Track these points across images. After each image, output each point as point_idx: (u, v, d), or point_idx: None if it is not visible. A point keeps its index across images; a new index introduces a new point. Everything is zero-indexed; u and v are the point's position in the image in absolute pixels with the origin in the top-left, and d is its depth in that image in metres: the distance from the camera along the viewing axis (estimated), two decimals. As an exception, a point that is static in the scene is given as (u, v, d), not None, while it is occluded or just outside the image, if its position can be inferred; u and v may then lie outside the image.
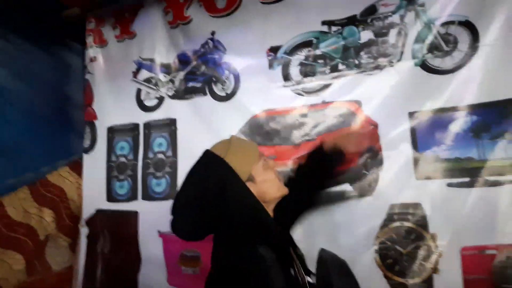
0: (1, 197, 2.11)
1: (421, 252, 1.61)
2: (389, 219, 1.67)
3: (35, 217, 2.26)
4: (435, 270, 1.58)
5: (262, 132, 1.91)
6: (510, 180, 1.50)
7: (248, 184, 1.11)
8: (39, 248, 2.28)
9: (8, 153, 2.15)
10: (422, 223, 1.62)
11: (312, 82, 1.84)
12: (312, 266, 1.17)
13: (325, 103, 1.81)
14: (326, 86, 1.83)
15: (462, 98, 1.59)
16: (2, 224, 2.10)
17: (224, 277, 0.99)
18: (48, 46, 2.45)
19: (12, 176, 2.19)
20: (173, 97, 2.15)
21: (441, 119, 1.62)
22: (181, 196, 1.11)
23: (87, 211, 2.38)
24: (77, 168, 2.44)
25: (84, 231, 2.41)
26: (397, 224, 1.67)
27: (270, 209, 1.16)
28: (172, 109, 2.14)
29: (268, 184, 1.13)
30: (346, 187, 1.77)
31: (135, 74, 2.24)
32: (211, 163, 1.11)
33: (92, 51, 2.37)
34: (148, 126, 2.21)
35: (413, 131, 1.67)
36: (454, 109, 1.60)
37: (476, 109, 1.57)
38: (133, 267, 2.20)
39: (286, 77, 1.90)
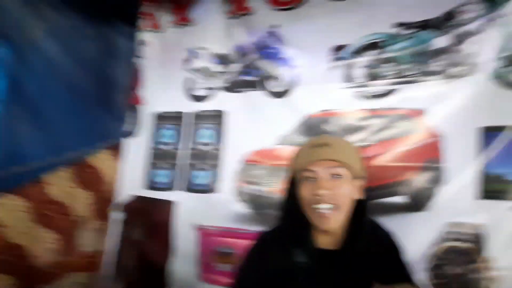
0: (42, 175, 2.10)
1: (476, 275, 1.51)
2: (445, 237, 1.58)
3: (72, 197, 2.25)
4: (490, 293, 1.47)
5: (318, 133, 1.84)
6: None
7: None
8: (73, 229, 2.27)
9: (50, 129, 2.12)
10: (480, 245, 1.51)
11: (376, 86, 1.77)
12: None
13: (387, 109, 1.74)
14: (390, 92, 1.74)
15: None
16: (40, 201, 2.09)
17: None
18: (99, 25, 2.40)
19: (53, 154, 2.17)
20: (225, 89, 2.10)
21: (513, 138, 1.52)
22: None
23: (124, 195, 2.36)
24: (116, 151, 2.43)
25: (116, 215, 2.39)
26: (453, 243, 1.57)
27: None
28: (222, 101, 2.10)
29: None
30: (400, 199, 1.70)
31: (188, 62, 2.21)
32: None
33: (145, 35, 2.34)
34: (195, 116, 2.17)
35: (481, 148, 1.57)
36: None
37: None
38: (165, 258, 2.17)
39: (348, 78, 1.83)
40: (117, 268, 2.34)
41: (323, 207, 0.95)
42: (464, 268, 1.54)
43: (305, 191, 0.99)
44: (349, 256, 1.01)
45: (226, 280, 1.98)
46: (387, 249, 1.12)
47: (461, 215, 1.57)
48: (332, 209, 0.95)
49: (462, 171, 1.59)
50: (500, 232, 1.50)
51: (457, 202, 1.59)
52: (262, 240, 1.13)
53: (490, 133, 1.57)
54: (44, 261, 2.12)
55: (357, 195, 1.03)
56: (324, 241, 1.03)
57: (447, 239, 1.58)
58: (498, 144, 1.55)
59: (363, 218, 1.04)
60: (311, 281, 1.00)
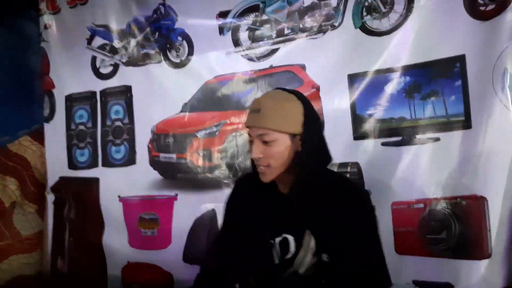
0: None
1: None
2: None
3: (-1, 185, 2.32)
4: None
5: (214, 97, 1.96)
6: (436, 137, 1.58)
7: None
8: (6, 215, 2.36)
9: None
10: (359, 181, 1.70)
11: (260, 47, 1.88)
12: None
13: (272, 68, 1.86)
14: (274, 51, 1.86)
15: (397, 59, 1.64)
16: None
17: None
18: (2, 14, 2.40)
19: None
20: (127, 64, 2.16)
21: (377, 80, 1.68)
22: None
23: (52, 178, 2.44)
24: (39, 136, 2.48)
25: (50, 197, 2.48)
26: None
27: None
28: (127, 76, 2.16)
29: None
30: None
31: (89, 41, 2.24)
32: None
33: (46, 18, 2.34)
34: (104, 93, 2.23)
35: (351, 93, 1.73)
36: (389, 70, 1.65)
37: (409, 70, 1.62)
38: (97, 231, 2.29)
39: (236, 42, 1.92)
40: (56, 247, 2.45)
41: (260, 167, 1.07)
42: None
43: (250, 151, 1.09)
44: (295, 199, 1.10)
45: (151, 243, 2.16)
46: (336, 202, 1.10)
47: (341, 155, 1.70)
48: (266, 168, 1.06)
49: (338, 116, 1.74)
50: (374, 167, 1.69)
51: (337, 145, 1.68)
52: (236, 183, 1.32)
53: (358, 78, 1.72)
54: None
55: (297, 148, 1.06)
56: (281, 187, 1.15)
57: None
58: (365, 88, 1.70)
59: (302, 167, 1.08)
60: (270, 218, 1.14)
